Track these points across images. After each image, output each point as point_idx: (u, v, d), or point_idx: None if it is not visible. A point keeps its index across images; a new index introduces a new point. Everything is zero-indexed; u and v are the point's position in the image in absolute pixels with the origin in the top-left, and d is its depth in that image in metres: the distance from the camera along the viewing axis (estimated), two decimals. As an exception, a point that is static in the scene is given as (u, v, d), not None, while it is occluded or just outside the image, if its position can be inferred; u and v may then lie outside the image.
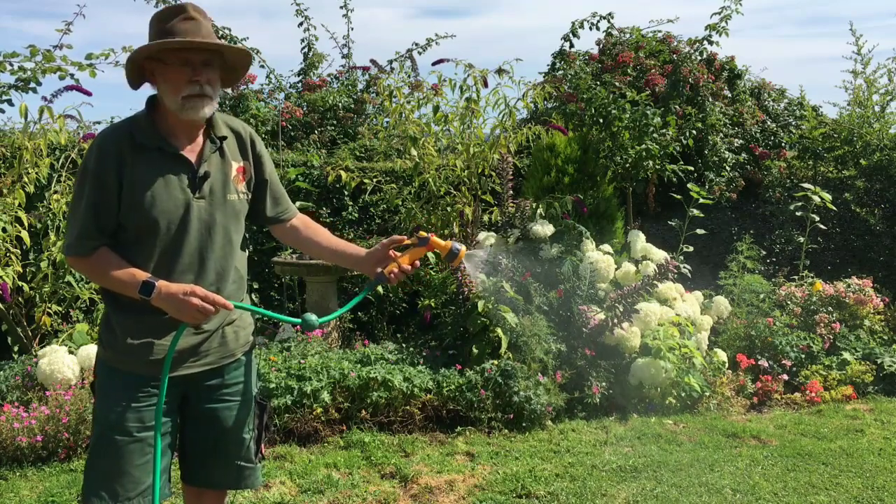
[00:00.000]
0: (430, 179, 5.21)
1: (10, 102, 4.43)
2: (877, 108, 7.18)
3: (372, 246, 2.14)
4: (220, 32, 7.23)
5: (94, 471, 1.96)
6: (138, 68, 1.98)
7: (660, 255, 5.05)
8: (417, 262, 2.11)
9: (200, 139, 2.02)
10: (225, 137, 2.05)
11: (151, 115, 1.98)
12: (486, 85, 5.18)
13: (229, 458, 2.12)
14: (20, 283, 4.39)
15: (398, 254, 2.09)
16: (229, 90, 7.03)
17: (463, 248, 2.14)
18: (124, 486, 1.93)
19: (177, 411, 2.08)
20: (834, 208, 6.06)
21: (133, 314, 1.96)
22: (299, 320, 1.99)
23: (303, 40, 7.88)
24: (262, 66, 7.53)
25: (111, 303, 2.00)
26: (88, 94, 4.40)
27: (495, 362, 4.22)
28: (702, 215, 5.64)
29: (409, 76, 7.01)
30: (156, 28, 1.95)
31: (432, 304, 4.85)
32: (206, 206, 1.98)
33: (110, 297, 2.00)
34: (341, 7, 7.95)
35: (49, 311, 4.52)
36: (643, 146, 5.67)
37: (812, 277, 5.77)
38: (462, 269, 4.48)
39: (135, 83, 2.02)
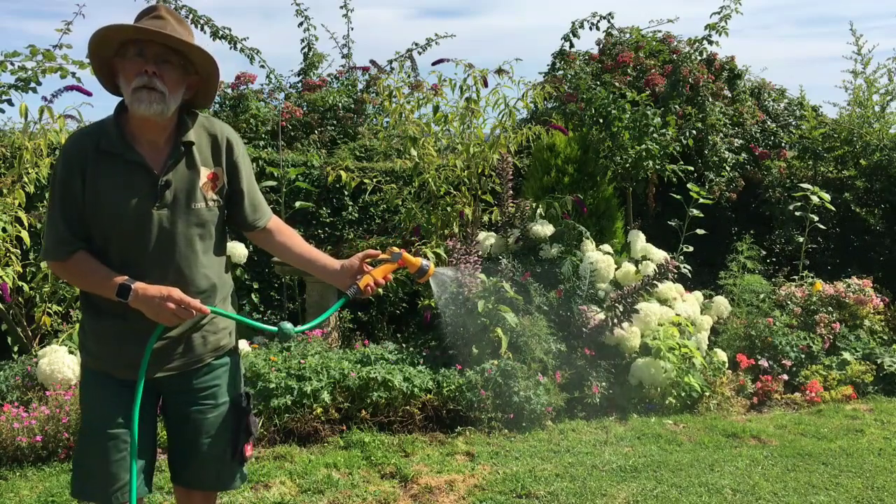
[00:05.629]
0: (430, 179, 5.20)
1: (10, 102, 4.42)
2: (877, 108, 7.18)
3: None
4: (220, 32, 7.24)
5: (76, 466, 2.05)
6: (109, 68, 1.98)
7: (660, 255, 5.05)
8: (390, 276, 2.17)
9: (165, 145, 1.99)
10: (192, 143, 2.00)
11: (119, 119, 1.97)
12: (485, 85, 5.18)
13: (205, 460, 2.12)
14: (20, 283, 4.39)
15: (370, 268, 2.14)
16: (229, 90, 7.04)
17: (431, 265, 2.23)
18: (101, 482, 1.98)
19: (154, 412, 2.12)
20: (833, 208, 6.06)
21: (102, 319, 2.00)
22: (276, 328, 2.01)
23: (303, 40, 7.89)
24: (262, 67, 7.53)
25: (84, 306, 2.05)
26: (89, 94, 4.39)
27: (495, 362, 4.22)
28: (702, 215, 5.64)
29: (408, 76, 7.01)
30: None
31: (432, 304, 4.85)
32: (167, 214, 1.96)
33: (84, 300, 2.05)
34: (341, 7, 7.96)
35: (49, 311, 4.52)
36: (643, 146, 5.67)
37: (812, 277, 5.77)
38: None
39: (107, 84, 2.02)
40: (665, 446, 3.90)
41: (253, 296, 5.62)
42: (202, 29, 7.12)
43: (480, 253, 4.83)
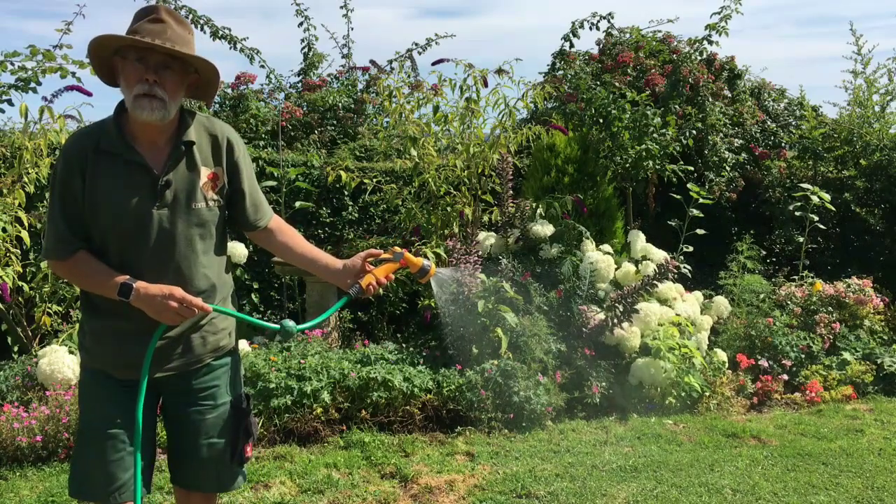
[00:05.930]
0: (430, 179, 5.20)
1: (10, 102, 4.42)
2: (877, 108, 7.18)
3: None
4: (220, 32, 7.24)
5: (74, 466, 2.07)
6: (108, 65, 1.98)
7: (660, 255, 5.05)
8: (391, 276, 2.18)
9: (166, 145, 1.99)
10: (192, 143, 2.00)
11: (119, 119, 1.97)
12: (485, 85, 5.18)
13: (204, 462, 2.11)
14: (20, 283, 4.39)
15: (372, 267, 2.14)
16: (229, 90, 7.04)
17: (432, 265, 2.26)
18: (99, 482, 1.98)
19: (153, 412, 2.12)
20: (833, 208, 6.06)
21: (102, 319, 2.00)
22: (278, 326, 2.02)
23: (303, 40, 7.89)
24: (262, 67, 7.54)
25: (84, 306, 2.06)
26: (89, 94, 4.40)
27: (495, 362, 4.22)
28: (702, 215, 5.63)
29: (408, 76, 7.01)
30: (129, 26, 1.94)
31: (432, 304, 4.85)
32: (167, 214, 1.96)
33: (84, 300, 2.05)
34: (341, 7, 7.96)
35: (49, 311, 4.53)
36: (643, 146, 5.67)
37: (812, 277, 5.77)
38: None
39: (108, 80, 2.02)
40: (665, 446, 3.90)
41: (253, 296, 5.62)
42: (202, 29, 7.12)
43: (480, 253, 4.83)
